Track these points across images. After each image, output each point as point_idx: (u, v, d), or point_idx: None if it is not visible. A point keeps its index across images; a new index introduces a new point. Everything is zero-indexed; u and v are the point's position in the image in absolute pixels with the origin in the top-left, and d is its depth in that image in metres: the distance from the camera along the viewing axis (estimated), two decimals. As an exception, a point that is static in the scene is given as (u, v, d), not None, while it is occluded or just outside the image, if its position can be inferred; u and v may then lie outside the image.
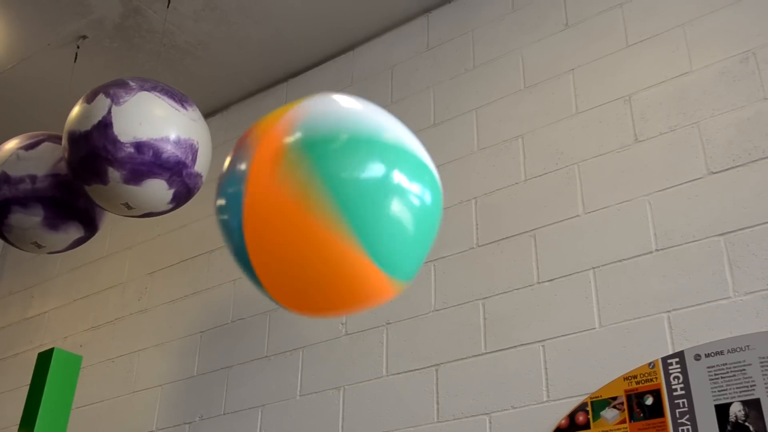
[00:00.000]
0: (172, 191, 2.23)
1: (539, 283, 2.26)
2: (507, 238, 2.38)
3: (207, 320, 3.00)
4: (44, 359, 2.32)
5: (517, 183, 2.44)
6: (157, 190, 2.20)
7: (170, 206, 2.31)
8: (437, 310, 2.42)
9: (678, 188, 2.13)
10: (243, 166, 1.17)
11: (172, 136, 2.17)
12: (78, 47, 3.10)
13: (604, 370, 2.04)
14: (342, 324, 2.61)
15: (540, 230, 2.32)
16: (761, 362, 1.82)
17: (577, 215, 2.27)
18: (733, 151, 2.08)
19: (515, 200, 2.42)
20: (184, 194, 2.29)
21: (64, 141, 2.21)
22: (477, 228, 2.46)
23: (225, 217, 1.19)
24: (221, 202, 1.20)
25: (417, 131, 2.74)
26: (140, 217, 2.34)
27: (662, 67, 2.31)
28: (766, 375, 1.80)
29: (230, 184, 1.18)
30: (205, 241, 3.18)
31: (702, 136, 2.15)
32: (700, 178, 2.10)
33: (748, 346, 1.85)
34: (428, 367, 2.35)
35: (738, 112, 2.12)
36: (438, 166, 2.80)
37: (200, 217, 3.25)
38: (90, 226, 2.43)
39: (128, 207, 2.22)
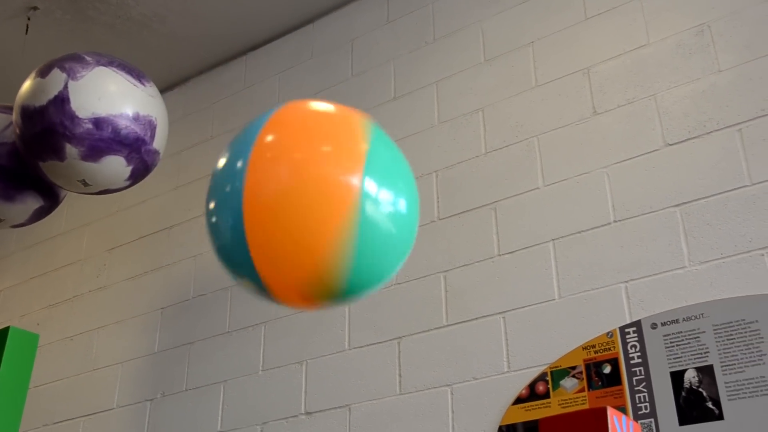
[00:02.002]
0: (130, 168, 2.19)
1: (500, 255, 2.28)
2: (468, 211, 2.39)
3: (167, 296, 2.97)
4: None
5: (477, 156, 2.45)
6: (116, 166, 2.16)
7: (127, 183, 2.27)
8: (399, 284, 2.43)
9: (635, 160, 2.16)
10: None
11: (131, 113, 2.13)
12: (29, 18, 3.02)
13: (563, 340, 2.07)
14: (304, 298, 2.61)
15: (500, 203, 2.34)
16: (714, 330, 1.86)
17: (537, 188, 2.29)
18: (689, 123, 2.11)
19: (476, 173, 2.43)
20: (141, 171, 2.26)
21: (16, 116, 2.16)
22: (438, 201, 2.47)
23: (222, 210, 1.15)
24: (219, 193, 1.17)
25: (377, 105, 2.76)
26: (96, 194, 2.30)
27: (620, 40, 2.33)
28: (719, 342, 1.84)
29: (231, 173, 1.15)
30: (165, 217, 3.14)
31: (659, 108, 2.18)
32: (656, 150, 2.13)
33: (702, 314, 1.89)
34: (390, 340, 2.37)
35: (693, 84, 2.15)
36: (399, 140, 2.80)
37: (159, 192, 3.21)
38: (49, 195, 2.37)
39: (85, 184, 2.18)
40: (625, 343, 1.97)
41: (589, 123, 2.28)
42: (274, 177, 1.11)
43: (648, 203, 2.09)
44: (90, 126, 2.07)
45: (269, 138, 1.14)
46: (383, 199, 1.13)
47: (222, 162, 1.19)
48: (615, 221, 2.12)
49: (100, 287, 3.21)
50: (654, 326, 1.94)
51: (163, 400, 2.79)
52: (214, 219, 1.17)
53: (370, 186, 1.12)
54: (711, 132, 2.07)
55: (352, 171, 1.11)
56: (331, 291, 1.15)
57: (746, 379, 1.78)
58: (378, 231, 1.13)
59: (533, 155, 2.34)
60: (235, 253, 1.14)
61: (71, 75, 2.10)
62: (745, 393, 1.77)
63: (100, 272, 3.25)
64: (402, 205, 1.16)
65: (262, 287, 1.16)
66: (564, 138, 2.31)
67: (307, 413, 2.43)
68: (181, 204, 3.12)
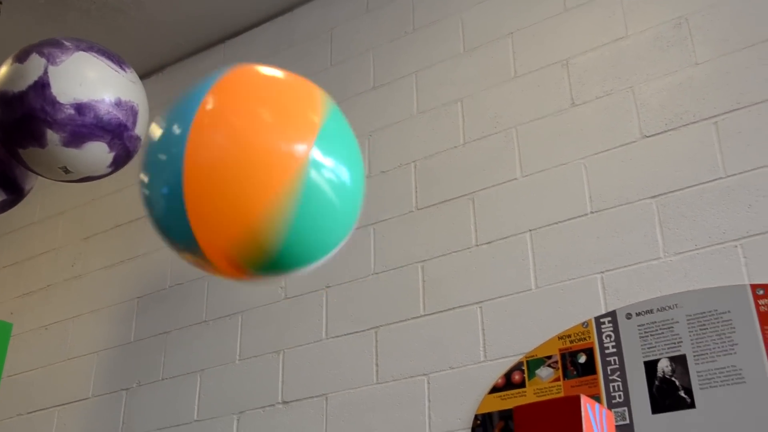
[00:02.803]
0: (112, 154, 2.17)
1: (477, 245, 2.28)
2: (446, 201, 2.40)
3: (144, 286, 2.95)
4: (-27, 327, 2.26)
5: (456, 146, 2.45)
6: (98, 153, 2.14)
7: (109, 170, 2.25)
8: (376, 273, 2.43)
9: (612, 152, 2.17)
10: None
11: (113, 98, 2.11)
12: (1, 3, 2.97)
13: (539, 330, 2.08)
14: (281, 288, 2.60)
15: (478, 193, 2.35)
16: (688, 320, 1.88)
17: (515, 178, 2.30)
18: (666, 115, 2.13)
19: (454, 164, 2.43)
20: (123, 157, 2.24)
21: (-7, 102, 2.13)
22: (416, 191, 2.47)
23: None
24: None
25: (356, 94, 2.75)
26: (78, 181, 2.27)
27: (598, 32, 2.34)
28: (692, 332, 1.87)
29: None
30: (141, 205, 3.11)
31: (636, 100, 2.19)
32: (633, 141, 2.15)
33: (676, 304, 1.91)
34: (368, 329, 2.37)
35: (670, 77, 2.16)
36: (377, 130, 2.80)
37: (135, 181, 3.18)
38: (12, 189, 2.34)
39: (66, 171, 2.16)
40: (600, 333, 1.98)
41: (567, 114, 2.29)
42: (216, 143, 1.10)
43: (624, 195, 2.10)
44: (72, 111, 2.04)
45: (213, 104, 1.13)
46: (330, 172, 1.13)
47: (159, 130, 1.16)
48: (592, 212, 2.13)
49: (75, 276, 3.19)
50: (629, 316, 1.96)
51: (139, 389, 2.77)
52: (151, 189, 1.16)
53: (319, 157, 1.12)
54: (687, 124, 2.09)
55: (301, 140, 1.11)
56: (265, 258, 1.13)
57: (718, 369, 1.80)
58: (320, 202, 1.12)
59: (511, 146, 2.35)
60: (174, 222, 1.13)
61: (51, 60, 2.07)
62: (717, 382, 1.79)
63: (76, 261, 3.22)
64: (348, 180, 1.16)
65: (201, 256, 1.14)
66: (542, 129, 2.31)
67: (284, 402, 2.43)
68: (157, 192, 3.09)
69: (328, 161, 1.13)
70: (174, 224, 1.15)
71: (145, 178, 1.18)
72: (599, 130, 2.21)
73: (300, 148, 1.11)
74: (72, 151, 2.09)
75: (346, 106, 2.70)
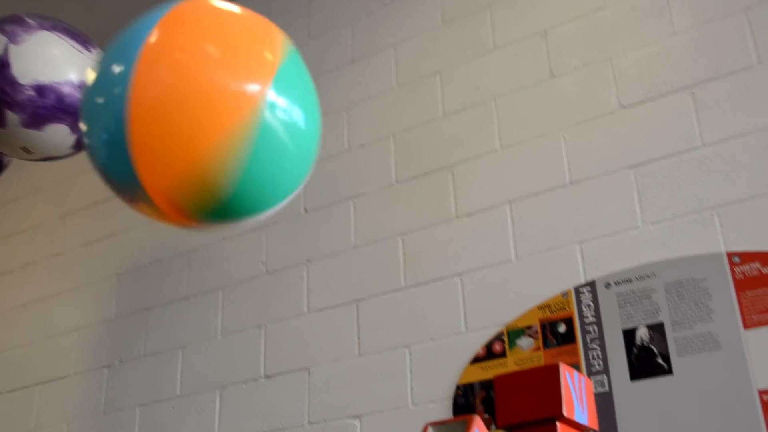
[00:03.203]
0: (74, 137, 2.12)
1: (457, 217, 2.29)
2: (425, 174, 2.40)
3: (123, 262, 2.94)
4: (-50, 306, 2.24)
5: (435, 119, 2.45)
6: (60, 135, 2.09)
7: (72, 151, 2.21)
8: (357, 247, 2.43)
9: (591, 122, 2.17)
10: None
11: (76, 80, 2.06)
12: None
13: (519, 300, 2.10)
14: (262, 263, 2.60)
15: (458, 165, 2.35)
16: (666, 288, 1.90)
17: (494, 150, 2.30)
18: (643, 85, 2.13)
19: (433, 136, 2.43)
20: (86, 140, 2.20)
21: (-51, 80, 2.08)
22: (396, 164, 2.46)
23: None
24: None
25: (335, 68, 2.73)
26: (40, 161, 2.23)
27: (577, 3, 2.33)
28: (669, 300, 1.89)
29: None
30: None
31: (614, 71, 2.19)
32: (612, 112, 2.15)
33: (654, 273, 1.93)
34: (349, 302, 2.37)
35: (648, 47, 2.16)
36: (356, 103, 2.78)
37: (113, 157, 3.15)
38: None
39: (27, 151, 2.11)
40: (579, 303, 2.00)
41: (546, 85, 2.29)
42: (161, 80, 1.04)
43: (603, 165, 2.11)
44: (32, 93, 2.00)
45: (159, 39, 1.07)
46: (287, 115, 1.09)
47: (101, 70, 1.11)
48: (571, 183, 2.14)
49: (53, 254, 3.16)
50: (608, 286, 1.98)
51: (120, 366, 2.77)
52: (92, 133, 1.10)
53: (275, 98, 1.07)
54: (665, 94, 2.09)
55: (256, 80, 1.07)
56: (214, 202, 1.09)
57: (695, 335, 1.83)
58: (274, 146, 1.08)
59: (490, 118, 2.34)
60: (118, 165, 1.08)
61: (11, 39, 2.02)
62: (694, 349, 1.82)
63: (54, 239, 3.19)
64: (304, 125, 1.12)
65: (147, 200, 1.09)
66: (521, 101, 2.31)
67: (267, 376, 2.44)
68: (135, 169, 3.06)
69: (284, 103, 1.08)
70: (118, 167, 1.08)
71: (86, 124, 1.12)
72: (578, 101, 2.21)
73: (254, 87, 1.06)
74: (32, 133, 2.04)
75: (325, 80, 2.70)
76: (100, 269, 2.98)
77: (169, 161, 1.05)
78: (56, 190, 3.29)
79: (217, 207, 1.10)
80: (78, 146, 2.19)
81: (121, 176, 1.09)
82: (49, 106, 2.02)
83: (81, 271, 3.04)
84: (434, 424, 0.90)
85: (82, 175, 3.22)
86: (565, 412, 1.06)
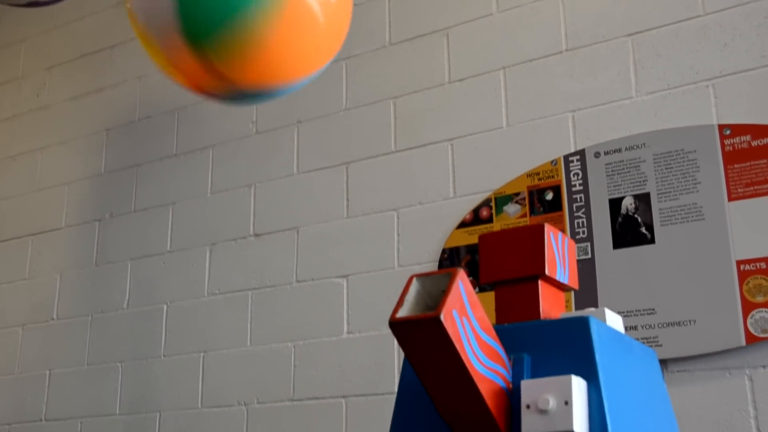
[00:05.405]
0: None
1: (450, 82, 2.26)
2: (419, 36, 2.34)
3: (112, 118, 2.91)
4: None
5: (432, -22, 2.37)
6: None
7: None
8: (348, 109, 2.41)
9: (592, -13, 2.11)
10: None
11: None
12: None
13: (509, 167, 2.11)
14: (252, 122, 2.58)
15: (453, 29, 2.29)
16: (654, 159, 1.91)
17: (491, 14, 2.24)
18: (650, -51, 2.06)
19: (430, -3, 2.36)
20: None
21: None
22: (390, 25, 2.40)
23: None
24: None
25: None
26: (25, 6, 2.16)
27: None
28: (657, 171, 1.90)
29: None
30: (106, 35, 3.01)
31: (620, -67, 2.10)
32: (614, -23, 2.09)
33: (644, 143, 1.93)
34: (339, 164, 2.38)
35: None
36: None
37: (99, 9, 3.05)
38: None
39: None
40: (568, 171, 2.01)
41: (548, -54, 2.20)
42: None
43: (600, 32, 2.07)
44: None
45: None
46: None
47: None
48: (566, 50, 2.10)
49: (41, 107, 3.12)
50: (597, 155, 1.99)
51: (111, 220, 2.79)
52: None
53: None
54: (670, -40, 2.02)
55: None
56: None
57: (679, 206, 1.85)
58: None
59: (489, -21, 2.27)
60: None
61: None
62: (677, 219, 1.85)
63: (40, 91, 3.14)
64: None
65: None
66: (522, -38, 2.23)
67: (256, 235, 2.47)
68: (124, 22, 2.98)
69: None
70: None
71: None
72: (581, -37, 2.14)
73: None
74: None
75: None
76: (89, 124, 2.96)
77: None
78: (41, 40, 3.21)
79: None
80: None
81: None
82: None
83: (69, 125, 3.01)
84: (419, 276, 0.92)
85: (68, 26, 3.13)
86: (547, 271, 1.08)
